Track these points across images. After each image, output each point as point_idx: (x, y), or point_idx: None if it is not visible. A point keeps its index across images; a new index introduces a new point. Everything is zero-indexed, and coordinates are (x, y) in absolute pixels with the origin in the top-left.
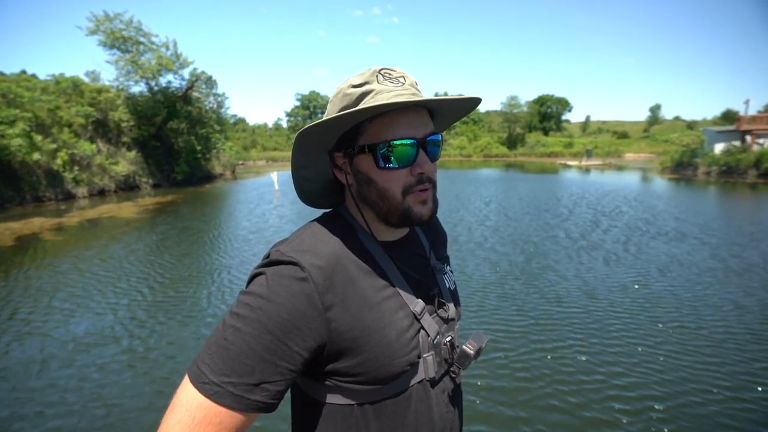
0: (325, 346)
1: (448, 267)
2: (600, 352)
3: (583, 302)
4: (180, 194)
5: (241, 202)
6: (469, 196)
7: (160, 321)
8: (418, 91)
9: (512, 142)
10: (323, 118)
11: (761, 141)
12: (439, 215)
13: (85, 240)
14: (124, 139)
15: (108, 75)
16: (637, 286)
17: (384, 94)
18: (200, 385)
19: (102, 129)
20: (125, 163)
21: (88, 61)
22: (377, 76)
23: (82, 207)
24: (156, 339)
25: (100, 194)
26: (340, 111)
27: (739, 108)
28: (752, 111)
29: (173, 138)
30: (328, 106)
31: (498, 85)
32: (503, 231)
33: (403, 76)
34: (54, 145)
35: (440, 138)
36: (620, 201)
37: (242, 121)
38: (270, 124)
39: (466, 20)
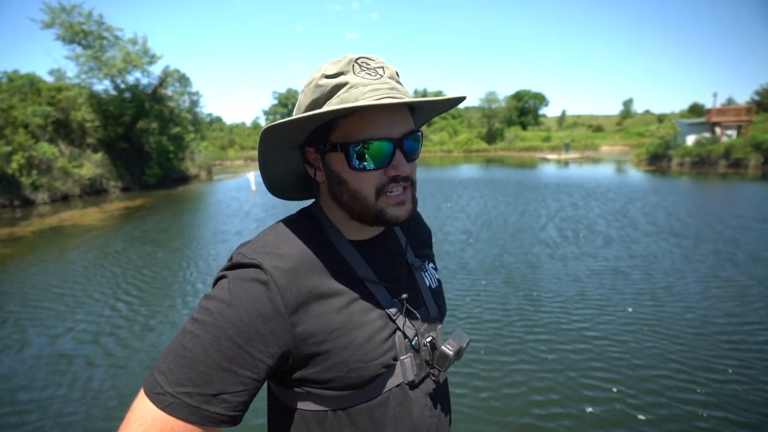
0: (291, 352)
1: (430, 264)
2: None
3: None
4: (151, 197)
5: (216, 203)
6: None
7: (122, 341)
8: (399, 83)
9: (491, 137)
10: (289, 118)
11: (729, 132)
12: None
13: (37, 251)
14: (89, 140)
15: (70, 72)
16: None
17: (359, 89)
18: (154, 396)
19: (63, 130)
20: (90, 166)
21: (49, 58)
22: (353, 65)
23: (41, 214)
24: (119, 363)
25: (63, 200)
26: (311, 103)
27: (704, 101)
28: (718, 104)
29: (143, 138)
30: (300, 97)
31: (476, 80)
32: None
33: (382, 67)
34: (8, 148)
35: (420, 134)
36: (622, 199)
37: (219, 120)
38: (248, 123)
39: (444, 16)
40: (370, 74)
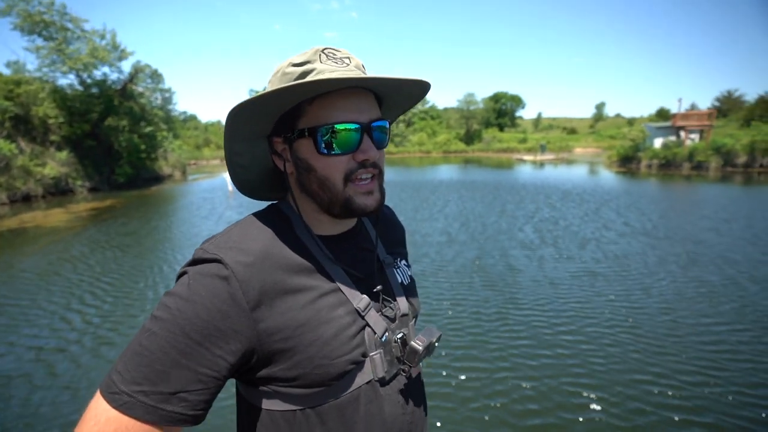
0: (255, 349)
1: (402, 261)
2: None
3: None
4: (121, 198)
5: (190, 205)
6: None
7: (71, 358)
8: (365, 74)
9: (470, 138)
10: (256, 95)
11: (693, 136)
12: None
13: None
14: (53, 137)
15: (30, 65)
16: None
17: (326, 74)
18: (109, 395)
19: (23, 126)
20: (55, 165)
21: (5, 50)
22: (320, 55)
23: None
24: (65, 384)
25: (24, 200)
26: None
27: (670, 106)
28: (682, 109)
29: (113, 137)
30: (267, 87)
31: (455, 82)
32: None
33: (348, 57)
34: None
35: (387, 125)
36: (597, 200)
37: (193, 118)
38: (224, 122)
39: (424, 17)
40: (336, 62)
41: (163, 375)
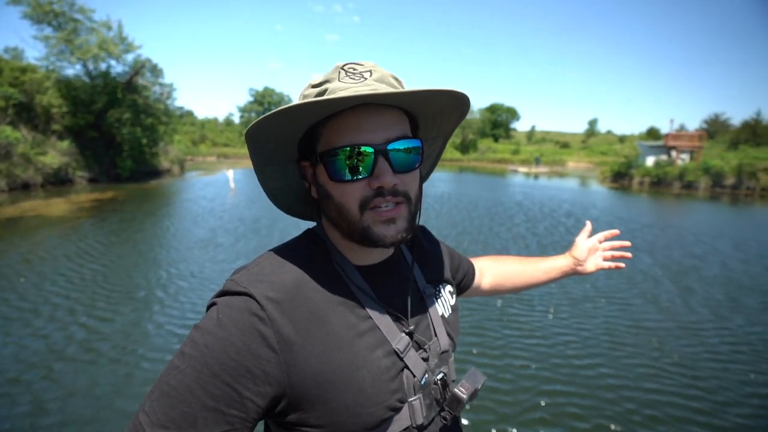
0: (285, 393)
1: (447, 288)
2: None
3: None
4: (122, 191)
5: (194, 201)
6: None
7: (89, 351)
8: (397, 85)
9: (465, 147)
10: (259, 118)
11: (683, 156)
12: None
13: None
14: (55, 126)
15: (34, 52)
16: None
17: (338, 94)
18: None
19: (27, 114)
20: (56, 154)
21: (10, 36)
22: (339, 72)
23: None
24: (82, 378)
25: (23, 188)
26: None
27: (660, 125)
28: (672, 129)
29: (115, 129)
30: None
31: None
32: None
33: (369, 71)
34: None
35: (417, 144)
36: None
37: (190, 114)
38: (221, 119)
39: (424, 27)
40: (353, 78)
41: (190, 417)
